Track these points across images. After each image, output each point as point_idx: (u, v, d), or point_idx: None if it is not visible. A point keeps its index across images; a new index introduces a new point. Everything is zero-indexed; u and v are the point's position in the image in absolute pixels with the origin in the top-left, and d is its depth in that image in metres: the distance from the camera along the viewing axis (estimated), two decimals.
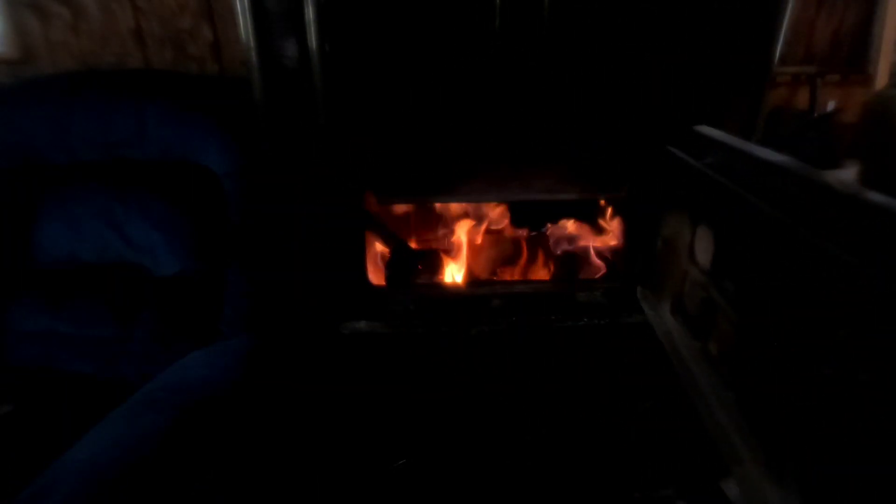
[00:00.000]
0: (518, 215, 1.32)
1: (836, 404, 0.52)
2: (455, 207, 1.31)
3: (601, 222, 1.30)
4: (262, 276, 1.04)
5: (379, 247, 1.26)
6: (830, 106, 1.25)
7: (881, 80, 1.23)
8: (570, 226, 1.31)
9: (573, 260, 1.27)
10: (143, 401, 0.74)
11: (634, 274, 1.04)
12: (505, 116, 0.98)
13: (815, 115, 1.24)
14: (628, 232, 1.16)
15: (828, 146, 1.18)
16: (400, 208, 1.32)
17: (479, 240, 1.30)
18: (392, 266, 1.24)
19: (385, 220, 1.26)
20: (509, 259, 1.31)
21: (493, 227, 1.32)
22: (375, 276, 1.20)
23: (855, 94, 1.25)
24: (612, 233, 1.27)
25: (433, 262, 1.27)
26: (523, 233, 1.33)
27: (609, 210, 1.27)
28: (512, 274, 1.31)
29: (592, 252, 1.27)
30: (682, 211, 0.84)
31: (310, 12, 0.85)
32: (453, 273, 1.28)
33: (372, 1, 0.89)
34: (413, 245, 1.30)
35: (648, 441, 1.13)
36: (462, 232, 1.28)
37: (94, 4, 1.09)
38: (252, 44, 0.87)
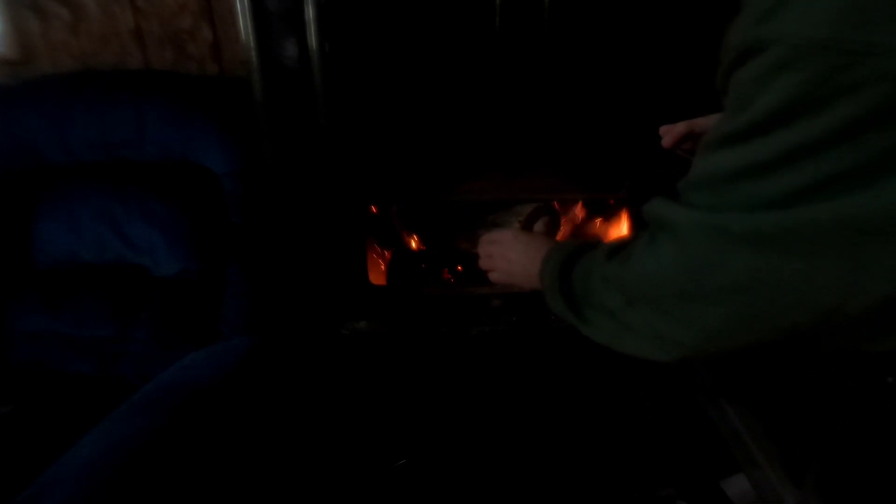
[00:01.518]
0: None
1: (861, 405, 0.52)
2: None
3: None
4: (262, 277, 1.04)
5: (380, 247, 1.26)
6: None
7: None
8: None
9: None
10: (142, 401, 0.74)
11: None
12: (505, 115, 0.98)
13: None
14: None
15: None
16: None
17: None
18: (393, 268, 1.24)
19: (385, 221, 1.26)
20: None
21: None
22: (375, 276, 1.20)
23: None
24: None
25: (436, 262, 1.27)
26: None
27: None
28: None
29: None
30: None
31: (310, 12, 0.85)
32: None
33: (372, 1, 0.88)
34: (414, 246, 1.30)
35: (648, 441, 1.13)
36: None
37: (93, 5, 1.09)
38: (252, 44, 0.87)
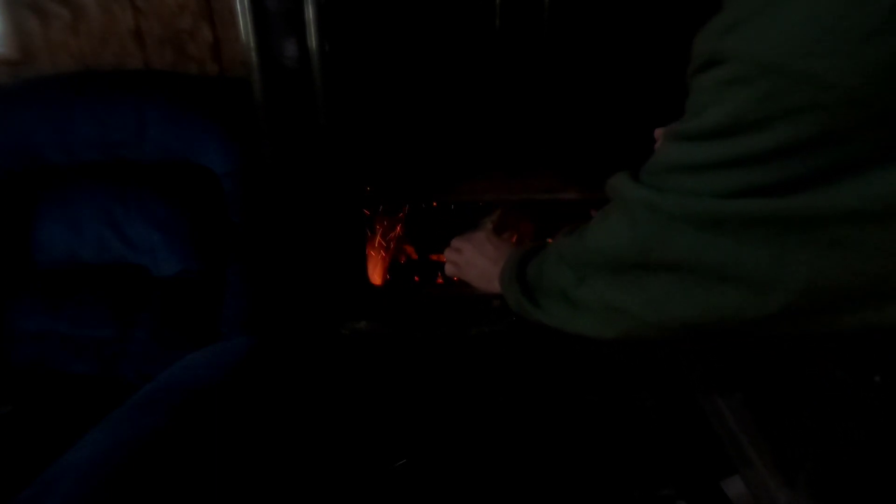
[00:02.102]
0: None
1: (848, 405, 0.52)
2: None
3: None
4: (262, 277, 1.04)
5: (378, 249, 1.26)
6: None
7: None
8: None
9: None
10: (142, 401, 0.74)
11: None
12: (505, 116, 0.98)
13: None
14: None
15: None
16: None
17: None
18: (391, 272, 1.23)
19: (383, 223, 1.26)
20: None
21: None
22: (375, 276, 1.20)
23: None
24: None
25: (430, 270, 1.27)
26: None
27: None
28: None
29: None
30: None
31: (310, 12, 0.85)
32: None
33: (372, 1, 0.89)
34: (412, 251, 1.30)
35: (649, 441, 1.13)
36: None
37: (94, 5, 1.09)
38: (252, 44, 0.87)
